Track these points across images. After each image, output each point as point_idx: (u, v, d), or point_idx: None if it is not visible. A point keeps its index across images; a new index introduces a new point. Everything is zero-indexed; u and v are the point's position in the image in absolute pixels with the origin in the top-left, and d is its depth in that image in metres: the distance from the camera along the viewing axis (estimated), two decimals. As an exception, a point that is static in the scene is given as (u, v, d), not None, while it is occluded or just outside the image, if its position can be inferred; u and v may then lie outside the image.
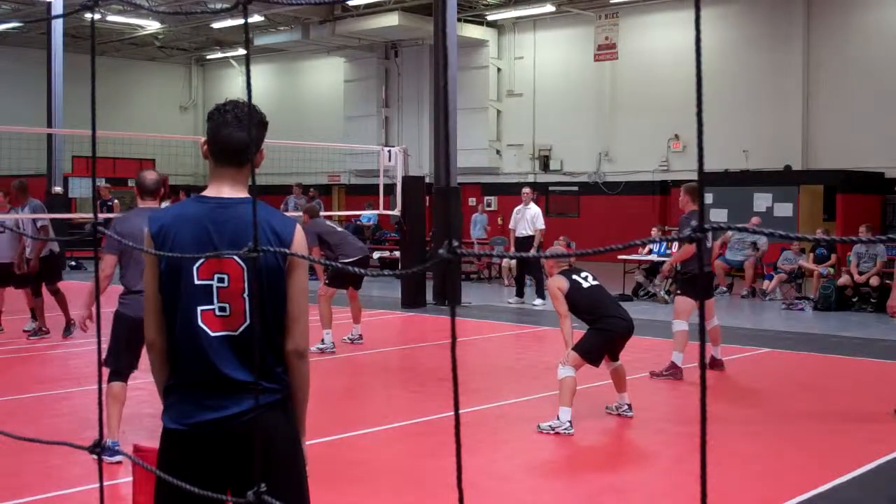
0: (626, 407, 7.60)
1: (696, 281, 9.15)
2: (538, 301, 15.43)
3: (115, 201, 20.83)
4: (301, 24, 26.82)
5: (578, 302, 7.28)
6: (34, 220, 11.47)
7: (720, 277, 17.46)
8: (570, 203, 25.62)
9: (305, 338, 2.83)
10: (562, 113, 25.69)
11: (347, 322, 11.38)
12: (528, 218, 15.78)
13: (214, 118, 2.86)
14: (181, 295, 2.73)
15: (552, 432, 7.02)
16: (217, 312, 2.72)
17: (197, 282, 2.72)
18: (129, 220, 6.21)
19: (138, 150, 28.10)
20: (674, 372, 9.11)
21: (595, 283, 7.44)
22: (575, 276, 7.38)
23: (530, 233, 15.60)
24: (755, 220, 17.57)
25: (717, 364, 9.56)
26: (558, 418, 7.04)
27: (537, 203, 16.62)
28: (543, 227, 15.73)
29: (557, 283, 7.32)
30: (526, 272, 16.32)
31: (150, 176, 6.34)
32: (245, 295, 2.72)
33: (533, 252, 14.90)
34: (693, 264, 9.22)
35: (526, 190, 16.35)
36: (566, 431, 7.02)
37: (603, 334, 7.24)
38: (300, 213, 19.29)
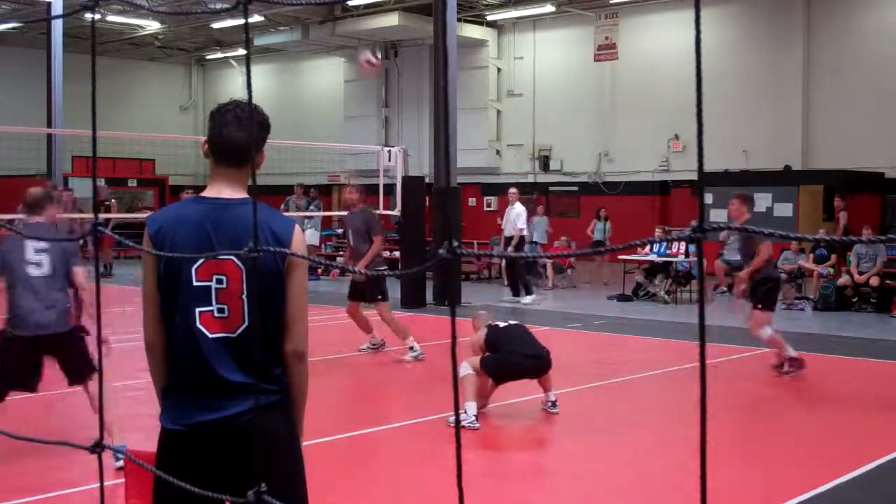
0: (550, 404, 7.71)
1: (776, 289, 9.40)
2: (527, 298, 15.60)
3: (113, 201, 20.81)
4: (301, 24, 26.81)
5: (494, 341, 7.51)
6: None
7: (720, 277, 17.44)
8: (570, 203, 25.61)
9: (304, 339, 2.82)
10: (562, 113, 25.68)
11: (348, 323, 11.34)
12: (511, 218, 15.97)
13: (215, 118, 2.85)
14: (180, 296, 2.72)
15: (462, 425, 7.08)
16: (215, 314, 2.71)
17: (195, 283, 2.71)
18: (12, 240, 5.99)
19: (138, 150, 28.10)
20: (799, 364, 9.28)
21: (513, 322, 7.80)
22: (492, 322, 7.72)
23: (514, 233, 15.84)
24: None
25: (796, 363, 9.45)
26: (465, 412, 7.09)
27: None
28: (524, 226, 15.96)
29: (477, 339, 7.61)
30: (509, 272, 16.64)
31: (34, 191, 6.36)
32: (244, 296, 2.72)
33: (511, 251, 15.23)
34: (768, 270, 9.27)
35: (512, 190, 16.65)
36: (471, 426, 7.04)
37: (509, 364, 7.45)
38: (302, 214, 19.38)
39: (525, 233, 16.14)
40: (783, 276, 16.28)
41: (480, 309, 8.33)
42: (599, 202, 24.50)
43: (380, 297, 10.08)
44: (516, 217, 15.93)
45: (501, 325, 7.72)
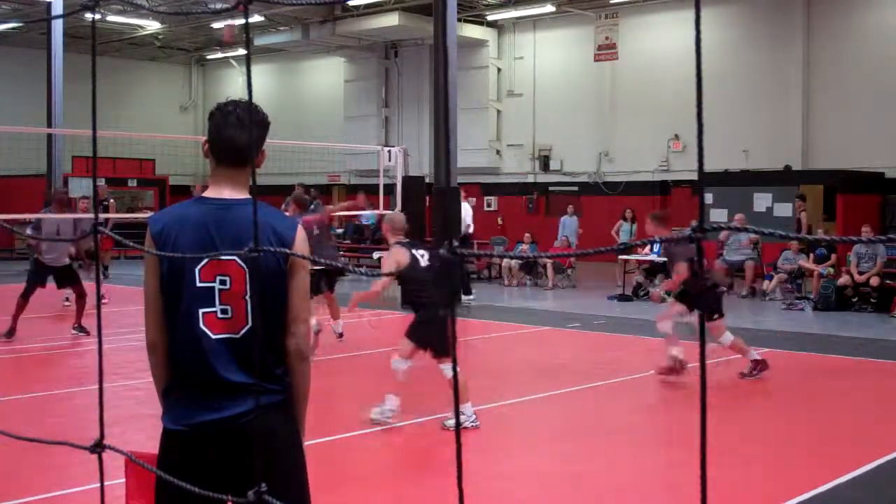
0: (473, 417, 7.16)
1: (721, 297, 9.41)
2: (464, 297, 15.78)
3: (112, 201, 20.80)
4: (301, 24, 26.82)
5: (412, 280, 7.24)
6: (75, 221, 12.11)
7: (720, 277, 17.44)
8: (571, 203, 25.61)
9: (307, 339, 2.83)
10: (562, 113, 25.68)
11: (347, 323, 11.36)
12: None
13: (216, 118, 2.85)
14: (183, 297, 2.71)
15: (381, 419, 7.10)
16: (219, 315, 2.70)
17: (199, 284, 2.70)
18: None
19: (138, 150, 28.11)
20: (762, 366, 9.25)
21: (429, 263, 7.41)
22: (414, 251, 7.29)
23: (463, 230, 16.57)
24: (739, 216, 17.53)
25: (760, 364, 9.37)
26: (385, 405, 7.10)
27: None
28: (470, 223, 16.76)
29: (398, 256, 7.15)
30: None
31: None
32: (247, 297, 2.71)
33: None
34: (713, 279, 9.27)
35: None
36: (473, 424, 6.99)
37: (432, 323, 7.15)
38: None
39: (471, 230, 16.86)
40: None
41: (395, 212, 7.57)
42: (600, 202, 24.53)
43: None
44: (463, 215, 16.77)
45: (421, 262, 7.22)
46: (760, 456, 6.51)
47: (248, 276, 2.71)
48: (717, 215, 19.53)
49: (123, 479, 3.74)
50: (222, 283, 2.71)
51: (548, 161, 26.30)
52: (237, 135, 2.80)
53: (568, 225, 20.70)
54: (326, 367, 9.73)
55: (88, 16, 1.82)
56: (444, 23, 15.56)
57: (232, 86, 33.12)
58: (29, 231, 12.26)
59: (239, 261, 2.70)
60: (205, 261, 2.69)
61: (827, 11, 21.57)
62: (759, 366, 9.24)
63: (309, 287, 2.88)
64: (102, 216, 16.88)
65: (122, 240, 2.38)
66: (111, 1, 23.19)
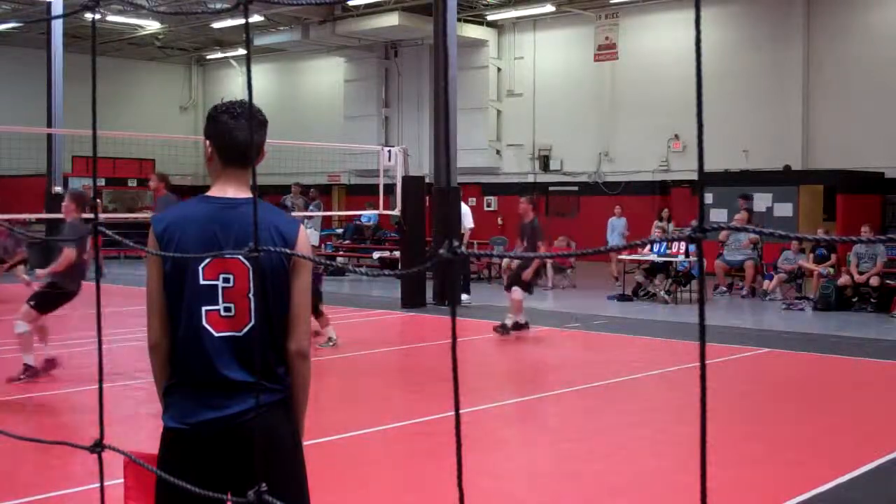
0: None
1: (57, 298, 8.52)
2: (464, 297, 15.76)
3: (97, 201, 20.79)
4: (301, 24, 26.83)
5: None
6: None
7: (720, 277, 17.43)
8: (570, 203, 25.61)
9: (307, 338, 2.83)
10: (562, 113, 25.69)
11: (347, 323, 11.36)
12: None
13: (222, 120, 2.85)
14: (186, 295, 2.72)
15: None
16: (222, 313, 2.71)
17: (202, 282, 2.71)
18: None
19: (138, 150, 28.11)
20: (30, 373, 8.68)
21: None
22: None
23: (463, 231, 16.62)
24: (739, 216, 17.50)
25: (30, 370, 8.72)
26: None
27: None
28: (471, 225, 16.92)
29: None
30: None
31: None
32: (250, 295, 2.72)
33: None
34: (64, 279, 8.38)
35: None
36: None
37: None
38: (302, 214, 19.40)
39: (468, 232, 17.01)
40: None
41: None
42: (599, 202, 24.52)
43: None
44: (463, 217, 16.70)
45: None
46: (760, 456, 6.51)
47: (251, 274, 2.72)
48: (717, 215, 19.53)
49: (123, 479, 3.74)
50: (226, 280, 2.72)
51: (548, 161, 26.31)
52: (247, 137, 2.82)
53: (617, 226, 20.34)
54: (326, 366, 9.73)
55: (88, 16, 1.82)
56: (444, 23, 15.57)
57: (232, 86, 33.13)
58: None
59: (243, 259, 2.71)
60: (209, 259, 2.70)
61: (827, 11, 21.57)
62: (29, 371, 8.62)
63: (310, 286, 2.88)
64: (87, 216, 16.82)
65: (122, 239, 2.38)
66: (111, 1, 23.19)
